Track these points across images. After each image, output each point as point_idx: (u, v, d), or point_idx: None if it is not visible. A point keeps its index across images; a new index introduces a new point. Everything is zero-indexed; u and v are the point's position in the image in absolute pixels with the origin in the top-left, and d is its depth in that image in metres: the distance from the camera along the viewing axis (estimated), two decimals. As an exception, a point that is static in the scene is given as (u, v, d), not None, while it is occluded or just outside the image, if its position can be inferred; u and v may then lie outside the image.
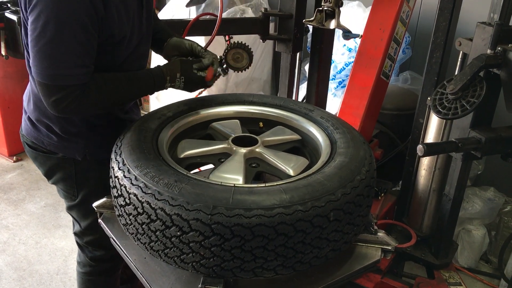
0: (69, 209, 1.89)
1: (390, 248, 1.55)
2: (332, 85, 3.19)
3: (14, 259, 2.94)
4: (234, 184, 1.30)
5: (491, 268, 3.03)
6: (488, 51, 1.74)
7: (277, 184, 1.32)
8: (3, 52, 3.47)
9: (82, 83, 1.44)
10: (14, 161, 4.02)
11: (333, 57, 2.90)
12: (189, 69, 1.66)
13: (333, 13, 1.85)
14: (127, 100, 1.72)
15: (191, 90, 1.71)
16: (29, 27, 1.40)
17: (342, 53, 3.22)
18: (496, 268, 2.88)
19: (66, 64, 1.40)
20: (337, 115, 2.09)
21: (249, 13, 3.68)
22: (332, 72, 3.14)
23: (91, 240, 1.92)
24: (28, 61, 1.58)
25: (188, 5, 3.40)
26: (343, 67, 3.20)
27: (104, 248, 1.92)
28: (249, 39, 2.51)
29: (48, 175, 1.82)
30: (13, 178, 3.80)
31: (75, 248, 3.02)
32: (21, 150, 4.10)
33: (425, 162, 2.25)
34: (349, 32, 1.94)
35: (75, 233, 1.97)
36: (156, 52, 1.91)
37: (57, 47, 1.38)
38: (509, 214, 2.98)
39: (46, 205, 3.49)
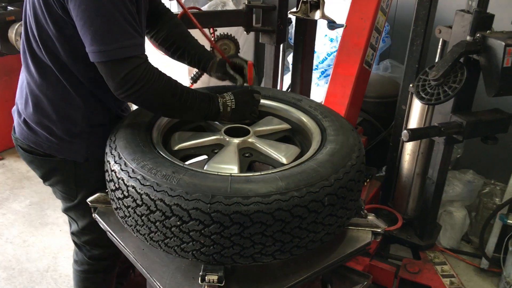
0: (67, 210, 1.87)
1: (380, 230, 1.61)
2: (315, 74, 3.24)
3: (2, 258, 2.92)
4: (231, 174, 1.33)
5: (472, 248, 3.14)
6: (468, 38, 1.81)
7: (272, 172, 1.35)
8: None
9: (145, 56, 1.45)
10: (-4, 161, 3.97)
11: (316, 47, 2.94)
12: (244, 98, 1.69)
13: (317, 4, 1.89)
14: (179, 111, 1.56)
15: (237, 117, 1.66)
16: (76, 11, 1.38)
17: (324, 43, 3.27)
18: (477, 247, 2.99)
19: (126, 36, 1.39)
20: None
21: (230, 6, 3.69)
22: (314, 62, 3.18)
23: (89, 240, 1.91)
24: (36, 59, 1.57)
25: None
26: (325, 57, 3.25)
27: (102, 246, 1.91)
28: (232, 31, 2.52)
29: (46, 177, 1.79)
30: (-4, 178, 3.76)
31: (64, 245, 3.04)
32: (2, 149, 4.05)
33: (409, 147, 2.33)
34: (334, 22, 1.98)
35: (72, 233, 1.95)
36: (195, 67, 1.92)
37: (114, 20, 1.38)
38: (488, 195, 3.08)
39: (31, 203, 3.46)
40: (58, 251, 2.99)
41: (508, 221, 2.64)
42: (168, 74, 1.52)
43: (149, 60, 1.47)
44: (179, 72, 3.30)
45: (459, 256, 3.02)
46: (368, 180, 2.58)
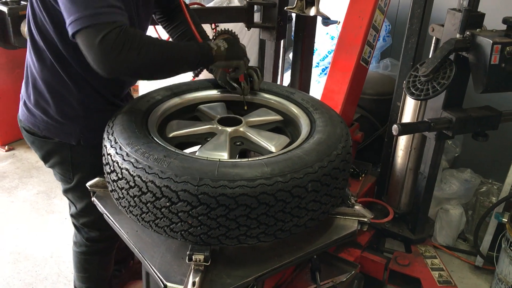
0: (65, 192, 1.96)
1: (366, 220, 1.65)
2: (316, 72, 3.30)
3: (9, 243, 3.03)
4: (219, 159, 1.40)
5: (468, 246, 3.18)
6: (458, 36, 1.85)
7: (259, 159, 1.41)
8: (-7, 43, 3.53)
9: (123, 23, 1.39)
10: (6, 151, 4.09)
11: (316, 45, 3.01)
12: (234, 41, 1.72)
13: (313, 1, 1.95)
14: (169, 66, 1.55)
15: (232, 55, 1.68)
16: None
17: (325, 41, 3.33)
18: (473, 245, 3.03)
19: (101, 3, 1.37)
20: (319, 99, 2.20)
21: (235, 3, 3.77)
22: (315, 60, 3.25)
23: (87, 222, 2.00)
24: (34, 44, 1.65)
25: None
26: (326, 54, 3.31)
27: (99, 229, 2.01)
28: (236, 28, 2.60)
29: (45, 159, 1.88)
30: (6, 167, 3.87)
31: (68, 232, 3.12)
32: (13, 140, 4.17)
33: (402, 143, 2.38)
34: (328, 18, 2.04)
35: (71, 215, 2.05)
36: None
37: None
38: (485, 194, 3.12)
39: (39, 192, 3.57)
40: (62, 238, 3.09)
41: (503, 219, 2.68)
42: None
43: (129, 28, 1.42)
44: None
45: (454, 254, 3.06)
46: (363, 175, 2.64)
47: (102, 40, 1.35)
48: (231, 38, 1.76)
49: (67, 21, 1.39)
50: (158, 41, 1.52)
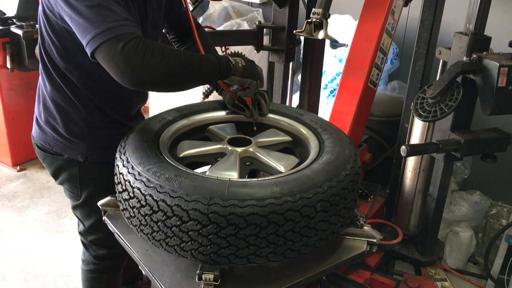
0: (74, 208, 1.99)
1: (375, 241, 1.65)
2: (324, 94, 3.34)
3: (19, 262, 3.05)
4: (229, 179, 1.42)
5: (479, 269, 3.14)
6: (464, 59, 1.88)
7: (268, 179, 1.43)
8: (8, 65, 3.63)
9: (140, 34, 1.41)
10: (18, 171, 4.14)
11: (325, 67, 3.05)
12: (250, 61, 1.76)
13: (321, 25, 1.99)
14: (190, 74, 1.54)
15: (248, 73, 1.72)
16: (65, 9, 1.44)
17: (333, 64, 3.37)
18: (483, 268, 2.99)
19: (115, 18, 1.39)
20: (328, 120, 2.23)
21: (245, 27, 3.84)
22: (324, 82, 3.28)
23: (95, 239, 2.02)
24: (44, 65, 1.72)
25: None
26: (334, 76, 3.35)
27: (107, 247, 2.03)
28: (245, 50, 2.64)
29: (55, 175, 1.92)
30: (17, 187, 3.91)
31: (78, 252, 3.13)
32: (25, 160, 4.22)
33: (411, 165, 2.38)
34: (336, 41, 2.08)
35: (79, 232, 2.07)
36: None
37: (102, 8, 1.40)
38: (495, 216, 3.10)
39: (49, 212, 3.60)
40: (72, 258, 3.10)
41: (514, 242, 2.66)
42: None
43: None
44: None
45: (464, 277, 3.02)
46: (371, 196, 2.64)
47: (124, 47, 1.36)
48: (247, 58, 1.81)
49: (85, 41, 1.41)
50: (177, 50, 1.55)
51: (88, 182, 1.88)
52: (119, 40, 1.36)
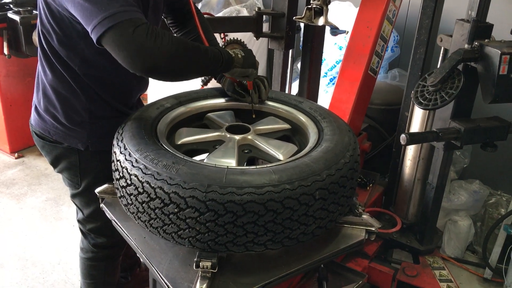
0: (73, 197, 1.98)
1: (373, 229, 1.65)
2: (324, 82, 3.31)
3: (17, 249, 3.05)
4: (227, 166, 1.41)
5: (477, 258, 3.15)
6: (466, 46, 1.86)
7: (267, 166, 1.42)
8: (5, 51, 3.59)
9: (146, 20, 1.40)
10: (16, 158, 4.12)
11: (325, 55, 3.02)
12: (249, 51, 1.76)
13: (321, 11, 1.96)
14: (196, 62, 1.55)
15: (249, 63, 1.72)
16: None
17: (333, 51, 3.34)
18: (481, 257, 3.00)
19: (122, 2, 1.37)
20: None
21: (244, 13, 3.80)
22: (323, 70, 3.26)
23: (93, 228, 2.02)
24: (44, 53, 1.69)
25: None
26: (334, 64, 3.32)
27: (105, 235, 2.02)
28: (245, 37, 2.62)
29: (54, 163, 1.91)
30: (15, 174, 3.90)
31: (76, 239, 3.13)
32: (23, 147, 4.21)
33: (410, 153, 2.37)
34: (336, 28, 2.05)
35: (78, 221, 2.07)
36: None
37: None
38: (493, 205, 3.10)
39: (47, 199, 3.60)
40: (70, 245, 3.10)
41: (513, 231, 2.66)
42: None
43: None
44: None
45: (463, 266, 3.03)
46: (370, 185, 2.63)
47: (135, 32, 1.33)
48: (245, 48, 1.79)
49: (90, 26, 1.37)
50: (183, 39, 1.58)
51: (88, 171, 1.87)
52: (130, 25, 1.34)
